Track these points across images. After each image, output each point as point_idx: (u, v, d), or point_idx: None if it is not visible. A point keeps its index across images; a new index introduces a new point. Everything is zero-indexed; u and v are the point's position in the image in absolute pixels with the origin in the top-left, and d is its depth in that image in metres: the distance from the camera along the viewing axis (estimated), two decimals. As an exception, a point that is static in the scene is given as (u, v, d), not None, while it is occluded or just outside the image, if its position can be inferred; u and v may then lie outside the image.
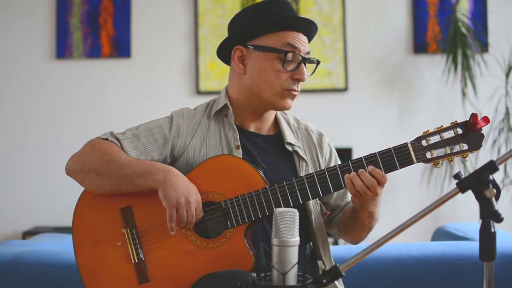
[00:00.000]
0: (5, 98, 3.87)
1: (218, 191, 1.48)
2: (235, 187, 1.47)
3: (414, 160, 1.42)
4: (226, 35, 1.62)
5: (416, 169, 3.74)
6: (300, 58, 1.53)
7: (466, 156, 1.41)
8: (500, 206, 1.07)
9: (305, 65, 1.55)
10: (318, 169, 1.63)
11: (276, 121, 1.68)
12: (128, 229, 1.49)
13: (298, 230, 1.02)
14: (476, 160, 3.64)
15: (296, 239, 1.01)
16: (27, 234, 3.56)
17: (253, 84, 1.56)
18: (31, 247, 1.94)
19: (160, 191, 1.43)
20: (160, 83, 3.88)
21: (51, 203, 3.79)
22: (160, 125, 1.58)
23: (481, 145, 1.41)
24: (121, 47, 3.86)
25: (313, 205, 1.60)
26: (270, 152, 1.61)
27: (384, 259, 1.80)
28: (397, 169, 1.43)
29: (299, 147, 1.63)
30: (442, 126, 1.43)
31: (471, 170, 3.64)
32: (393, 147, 1.44)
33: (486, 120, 1.38)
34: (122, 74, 3.89)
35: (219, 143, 1.58)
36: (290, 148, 1.62)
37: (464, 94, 3.67)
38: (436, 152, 1.42)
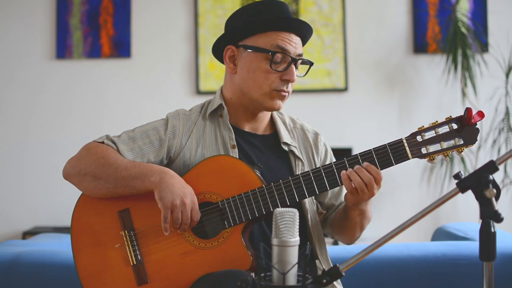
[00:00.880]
0: (5, 98, 3.87)
1: (215, 191, 1.48)
2: (232, 187, 1.47)
3: (410, 155, 1.42)
4: (225, 35, 1.63)
5: (416, 169, 3.74)
6: (290, 59, 1.52)
7: (462, 151, 1.41)
8: (500, 206, 1.07)
9: (295, 65, 1.54)
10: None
11: (272, 121, 1.68)
12: (126, 231, 1.49)
13: (298, 230, 1.02)
14: (476, 160, 3.64)
15: (296, 239, 1.01)
16: (27, 234, 3.56)
17: (243, 84, 1.56)
18: (31, 247, 1.94)
19: (156, 192, 1.43)
20: (160, 83, 3.88)
21: (51, 203, 3.79)
22: (155, 127, 1.58)
23: (476, 140, 1.40)
24: (121, 47, 3.86)
25: (309, 204, 1.60)
26: (266, 152, 1.61)
27: (384, 259, 1.80)
28: (393, 165, 1.44)
29: (295, 146, 1.64)
30: (437, 121, 1.43)
31: (471, 170, 3.64)
32: (388, 143, 1.44)
33: (480, 114, 1.38)
34: (122, 74, 3.89)
35: (215, 143, 1.58)
36: (286, 148, 1.63)
37: (464, 94, 3.67)
38: (432, 148, 1.42)
